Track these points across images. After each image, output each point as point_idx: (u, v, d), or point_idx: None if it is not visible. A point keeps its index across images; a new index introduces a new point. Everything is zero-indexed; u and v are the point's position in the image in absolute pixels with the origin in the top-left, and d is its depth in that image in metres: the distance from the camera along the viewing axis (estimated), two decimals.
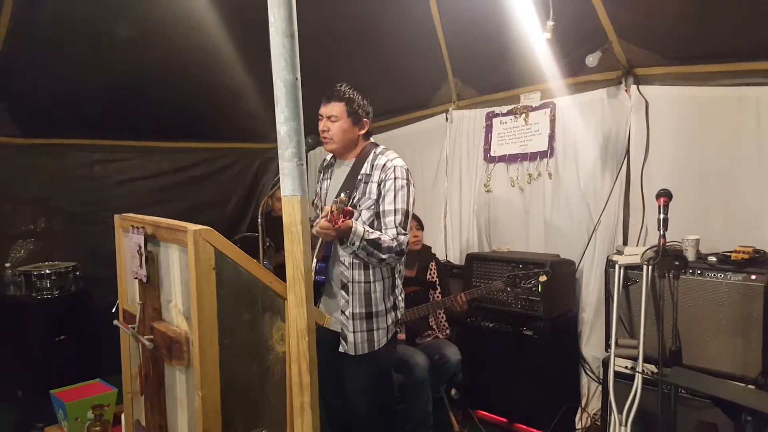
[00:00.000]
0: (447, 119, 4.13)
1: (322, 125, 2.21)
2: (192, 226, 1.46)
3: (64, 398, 2.34)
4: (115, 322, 1.85)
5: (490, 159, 3.85)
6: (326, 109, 2.19)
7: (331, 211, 1.85)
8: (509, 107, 3.74)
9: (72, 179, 4.37)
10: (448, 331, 3.43)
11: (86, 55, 3.75)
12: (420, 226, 3.36)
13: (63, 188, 4.33)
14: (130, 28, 3.64)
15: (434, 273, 3.40)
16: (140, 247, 1.68)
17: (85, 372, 2.74)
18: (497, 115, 3.81)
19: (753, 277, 2.38)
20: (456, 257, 4.07)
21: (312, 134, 2.26)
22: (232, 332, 1.51)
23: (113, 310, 1.96)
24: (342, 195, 1.89)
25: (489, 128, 3.86)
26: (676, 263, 2.12)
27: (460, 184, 4.10)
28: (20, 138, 4.10)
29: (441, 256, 3.98)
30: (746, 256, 2.44)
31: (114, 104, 4.07)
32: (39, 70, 3.75)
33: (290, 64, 1.33)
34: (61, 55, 3.70)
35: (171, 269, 1.61)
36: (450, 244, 4.17)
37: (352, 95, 2.19)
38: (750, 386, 2.31)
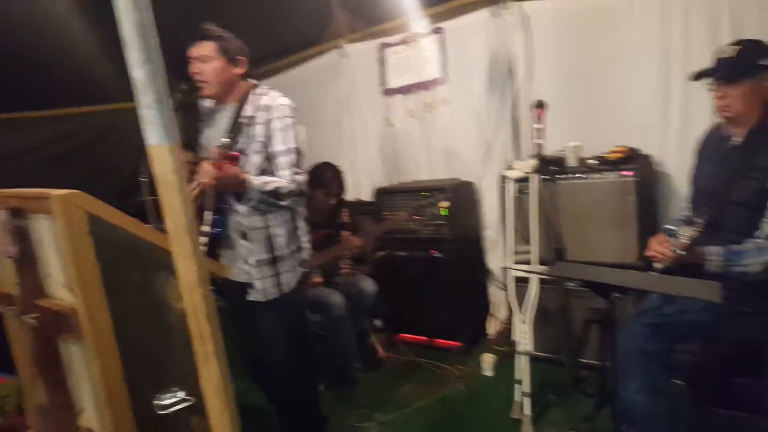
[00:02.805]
0: (341, 55, 4.04)
1: (194, 68, 2.07)
2: (56, 192, 1.35)
3: None
4: None
5: (387, 92, 3.85)
6: (196, 50, 2.06)
7: (214, 158, 1.78)
8: (401, 36, 3.70)
9: None
10: (364, 266, 3.51)
11: None
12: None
13: None
14: None
15: (345, 214, 3.42)
16: (6, 224, 1.55)
17: None
18: (390, 45, 3.78)
19: (625, 173, 2.59)
20: (366, 194, 4.10)
21: (186, 80, 2.12)
22: (122, 296, 1.45)
23: None
24: (223, 140, 1.81)
25: (383, 60, 3.82)
26: (553, 168, 2.26)
27: (361, 121, 4.08)
28: None
29: (351, 195, 4.00)
30: (620, 155, 2.65)
31: None
32: None
33: (136, 2, 1.22)
34: None
35: (44, 241, 1.51)
36: (359, 181, 4.19)
37: (222, 33, 2.07)
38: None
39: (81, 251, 1.35)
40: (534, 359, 2.69)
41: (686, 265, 1.84)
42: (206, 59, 2.05)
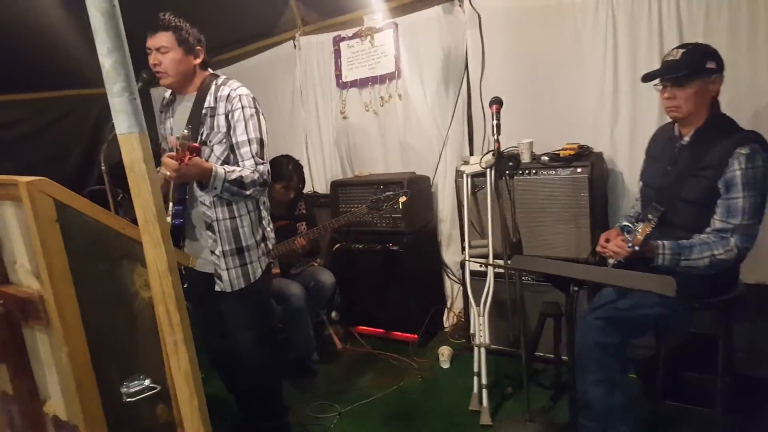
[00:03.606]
0: (295, 46, 4.05)
1: (152, 59, 2.06)
2: (24, 179, 1.34)
3: None
4: None
5: (342, 85, 3.89)
6: (153, 41, 2.04)
7: (176, 149, 1.79)
8: (354, 30, 3.75)
9: None
10: (321, 258, 3.55)
11: None
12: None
13: None
14: None
15: (302, 206, 3.45)
16: None
17: None
18: (344, 39, 3.81)
19: (579, 170, 2.71)
20: (322, 187, 4.15)
21: (146, 69, 2.11)
22: (89, 284, 1.45)
23: None
24: (184, 131, 1.82)
25: (338, 53, 3.86)
26: (510, 164, 2.37)
27: (317, 113, 4.11)
28: None
29: (307, 187, 4.03)
30: (572, 152, 2.76)
31: None
32: None
33: None
34: None
35: (9, 228, 1.48)
36: (315, 174, 4.23)
37: (178, 23, 2.06)
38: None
39: (48, 239, 1.35)
40: (490, 352, 2.77)
41: (637, 260, 1.92)
42: (164, 50, 2.04)
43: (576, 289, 1.72)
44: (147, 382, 1.52)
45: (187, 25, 2.09)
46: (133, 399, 1.48)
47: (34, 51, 3.92)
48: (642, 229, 1.90)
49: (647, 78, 2.01)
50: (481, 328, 2.73)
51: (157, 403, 1.64)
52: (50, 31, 3.79)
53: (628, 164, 2.90)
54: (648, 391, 2.52)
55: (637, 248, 1.90)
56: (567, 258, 2.70)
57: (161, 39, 2.04)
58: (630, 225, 1.96)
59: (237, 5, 3.94)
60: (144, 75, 2.13)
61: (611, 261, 2.05)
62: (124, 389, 1.48)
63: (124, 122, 1.30)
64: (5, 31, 3.62)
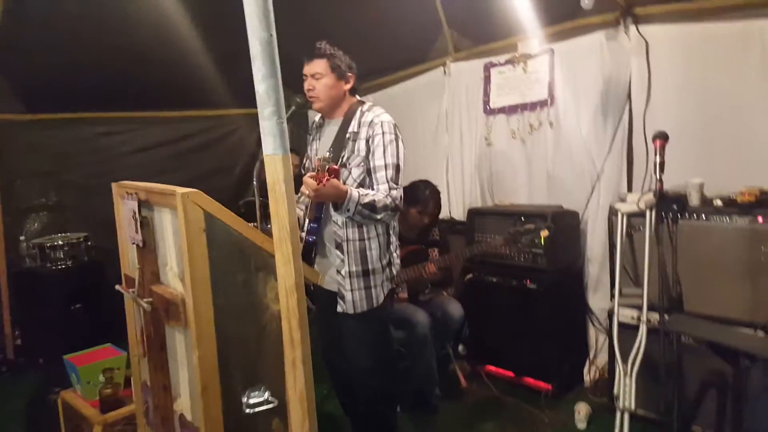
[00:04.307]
0: (445, 73, 4.06)
1: (307, 84, 2.20)
2: (180, 189, 1.47)
3: (76, 363, 2.42)
4: (117, 287, 1.89)
5: (489, 111, 3.80)
6: (309, 68, 2.18)
7: (316, 170, 1.86)
8: (507, 56, 3.65)
9: (79, 153, 4.44)
10: (452, 288, 3.45)
11: (79, 31, 3.72)
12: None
13: (71, 161, 4.41)
14: (117, 2, 3.59)
15: (436, 233, 3.39)
16: (135, 213, 1.70)
17: (100, 338, 2.82)
18: (495, 65, 3.74)
19: (760, 219, 2.33)
20: (459, 213, 4.06)
21: (300, 94, 2.25)
22: (226, 292, 1.54)
23: None
24: (326, 153, 1.90)
25: (487, 79, 3.79)
26: (674, 207, 2.08)
27: (460, 139, 4.06)
28: (26, 114, 4.16)
29: (444, 213, 3.97)
30: (752, 199, 2.40)
31: (112, 77, 4.06)
32: (37, 45, 3.74)
33: (264, 22, 1.31)
34: (57, 31, 3.67)
35: (165, 233, 1.63)
36: (453, 200, 4.16)
37: (333, 51, 2.18)
38: (759, 332, 2.25)
39: (195, 246, 1.45)
40: (636, 418, 2.47)
41: None
42: (318, 76, 2.17)
43: (749, 364, 1.43)
44: (267, 394, 1.56)
45: (341, 53, 2.20)
46: (252, 410, 1.53)
47: (211, 73, 4.45)
48: None
49: None
50: (627, 390, 2.43)
51: (273, 417, 1.68)
52: (228, 57, 4.27)
53: None
54: None
55: None
56: (738, 321, 2.32)
57: (316, 66, 2.17)
58: None
59: (392, 33, 4.08)
60: (298, 99, 2.28)
61: None
62: (245, 399, 1.54)
63: (270, 144, 1.36)
64: (189, 56, 4.14)
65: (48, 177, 4.33)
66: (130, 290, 1.77)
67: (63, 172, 4.38)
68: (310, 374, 1.47)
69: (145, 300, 1.64)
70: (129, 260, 1.95)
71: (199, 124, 5.03)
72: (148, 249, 1.72)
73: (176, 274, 1.58)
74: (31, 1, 3.47)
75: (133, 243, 1.77)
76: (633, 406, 2.40)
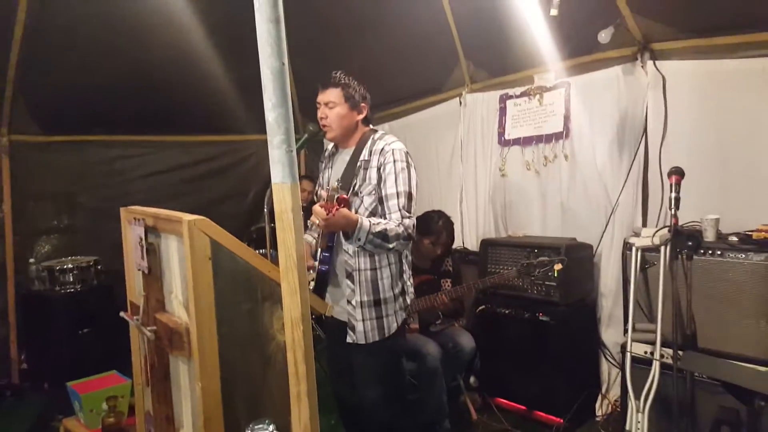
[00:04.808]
0: (461, 103, 4.06)
1: (320, 113, 2.20)
2: (187, 216, 1.46)
3: (79, 390, 2.39)
4: (122, 313, 1.87)
5: (504, 142, 3.79)
6: (323, 96, 2.18)
7: (325, 199, 1.85)
8: (523, 88, 3.66)
9: (93, 175, 4.45)
10: (463, 319, 3.40)
11: (96, 54, 3.82)
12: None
13: (84, 184, 4.42)
14: (134, 26, 3.66)
15: (449, 263, 3.36)
16: (141, 239, 1.69)
17: (107, 364, 2.80)
18: (511, 97, 3.74)
19: None
20: (472, 244, 4.02)
21: (314, 122, 2.26)
22: (231, 322, 1.51)
23: None
24: (335, 183, 1.88)
25: (503, 111, 3.79)
26: (689, 243, 2.03)
27: (475, 169, 4.04)
28: (41, 136, 4.19)
29: (457, 243, 3.94)
30: None
31: (127, 100, 4.14)
32: (54, 69, 3.82)
33: (276, 51, 1.31)
34: (75, 53, 3.77)
35: (171, 260, 1.62)
36: (466, 230, 4.12)
37: (347, 80, 2.18)
38: None
39: (200, 274, 1.43)
40: None
41: None
42: (332, 105, 2.17)
43: (763, 404, 1.37)
44: (272, 427, 1.51)
45: (355, 83, 2.21)
46: None
47: (228, 98, 4.51)
48: None
49: None
50: (639, 426, 2.38)
51: None
52: (246, 82, 4.33)
53: None
54: None
55: None
56: (752, 359, 2.25)
57: (330, 95, 2.17)
58: None
59: (410, 64, 4.13)
60: (310, 128, 2.28)
61: None
62: (249, 431, 1.49)
63: (279, 172, 1.35)
64: (207, 80, 4.20)
65: (61, 199, 4.34)
66: (135, 318, 1.75)
67: (76, 194, 4.39)
68: (315, 408, 1.43)
69: (148, 328, 1.62)
70: (135, 287, 1.93)
71: (215, 149, 5.04)
72: (153, 276, 1.70)
73: (181, 302, 1.56)
74: (51, 25, 3.57)
75: (139, 269, 1.75)
76: None
